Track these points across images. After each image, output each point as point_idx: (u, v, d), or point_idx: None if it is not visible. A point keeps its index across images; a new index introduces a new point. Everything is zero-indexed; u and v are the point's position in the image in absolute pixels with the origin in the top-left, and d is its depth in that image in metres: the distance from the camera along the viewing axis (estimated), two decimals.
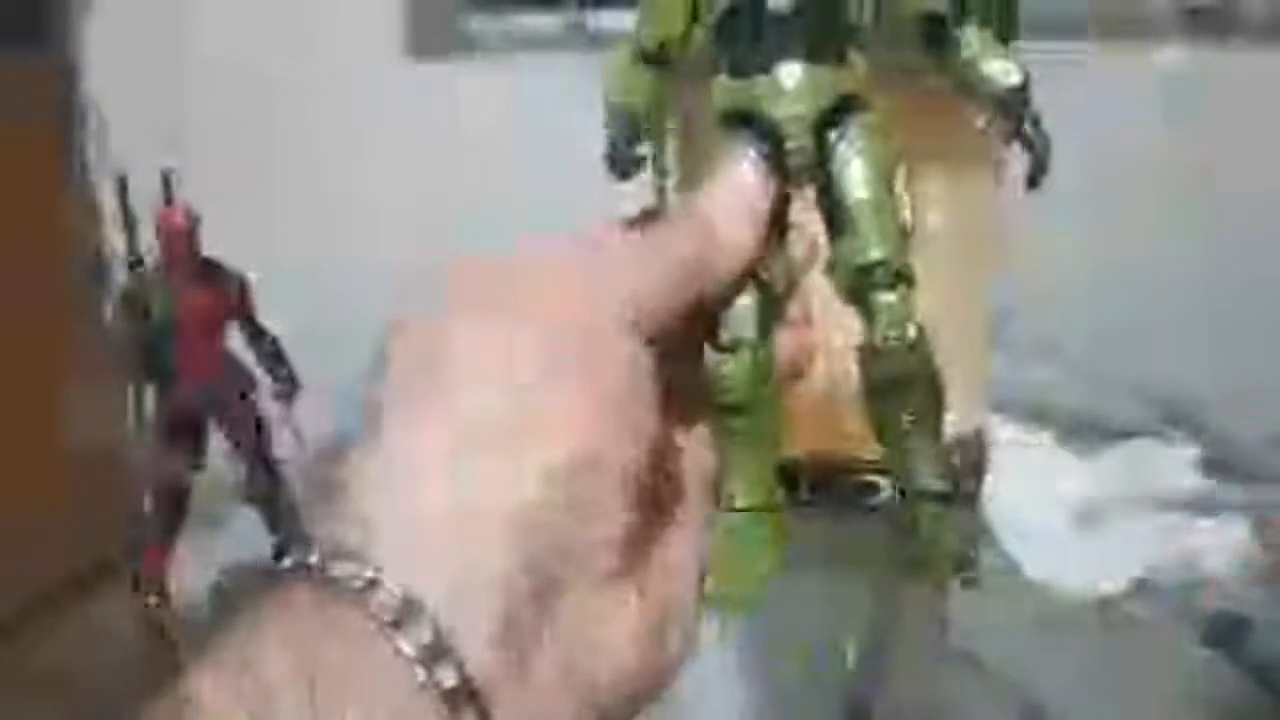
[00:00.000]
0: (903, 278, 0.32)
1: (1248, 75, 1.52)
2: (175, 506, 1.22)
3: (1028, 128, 0.34)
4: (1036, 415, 1.24)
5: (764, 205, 0.31)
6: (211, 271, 1.18)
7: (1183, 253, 1.47)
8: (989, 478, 0.99)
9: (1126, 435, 1.25)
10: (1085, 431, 1.25)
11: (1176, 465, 1.18)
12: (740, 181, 0.31)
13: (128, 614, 1.24)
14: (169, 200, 1.18)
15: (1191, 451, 1.20)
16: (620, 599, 0.27)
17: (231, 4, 1.61)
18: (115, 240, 1.31)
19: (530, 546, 0.25)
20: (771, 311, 0.32)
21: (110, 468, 1.35)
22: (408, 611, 0.23)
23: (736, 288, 0.31)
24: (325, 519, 0.26)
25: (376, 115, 1.64)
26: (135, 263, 1.23)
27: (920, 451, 0.33)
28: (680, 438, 0.33)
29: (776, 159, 0.32)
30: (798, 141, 0.31)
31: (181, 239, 1.16)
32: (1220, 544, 1.08)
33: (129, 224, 1.23)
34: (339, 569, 0.24)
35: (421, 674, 0.23)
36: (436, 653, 0.23)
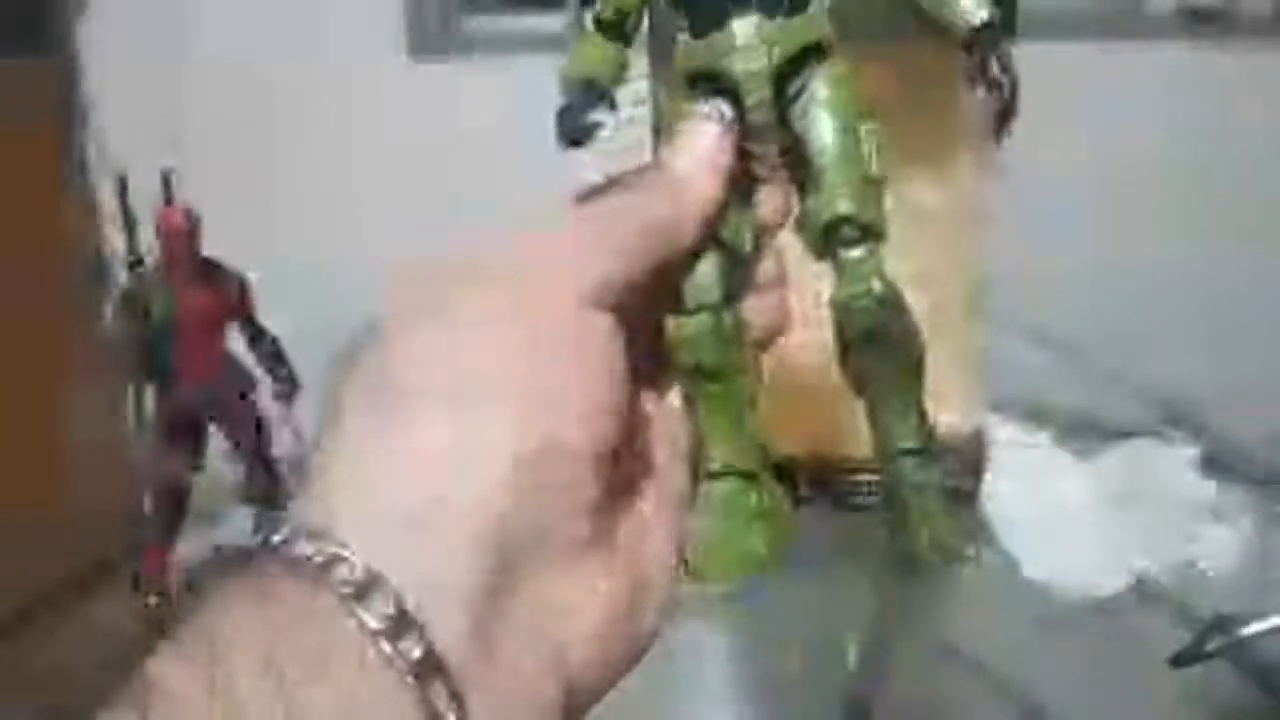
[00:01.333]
0: (870, 232, 0.31)
1: (1248, 75, 1.52)
2: (175, 506, 1.22)
3: (995, 69, 0.32)
4: (1035, 415, 1.23)
5: (723, 161, 0.31)
6: (211, 271, 1.18)
7: (1183, 253, 1.48)
8: (988, 477, 0.99)
9: (1126, 435, 1.25)
10: (1084, 431, 1.24)
11: (1176, 465, 1.18)
12: (699, 139, 0.31)
13: (128, 614, 1.24)
14: (169, 200, 1.18)
15: (1191, 451, 1.20)
16: (590, 573, 0.27)
17: (231, 4, 1.61)
18: (115, 240, 1.31)
19: (497, 526, 0.25)
20: (737, 274, 0.32)
21: (110, 468, 1.35)
22: (370, 586, 0.23)
23: (698, 248, 0.31)
24: (293, 508, 0.26)
25: (376, 115, 1.64)
26: (135, 263, 1.23)
27: (898, 410, 0.32)
28: (651, 408, 0.32)
29: (739, 115, 0.31)
30: (756, 96, 0.31)
31: (181, 239, 1.16)
32: (1220, 543, 1.08)
33: (129, 224, 1.23)
34: (301, 547, 0.24)
35: (386, 647, 0.23)
36: (400, 626, 0.23)
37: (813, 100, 0.31)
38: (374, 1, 1.70)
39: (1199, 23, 1.62)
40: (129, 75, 1.55)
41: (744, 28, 0.31)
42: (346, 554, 0.24)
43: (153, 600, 1.23)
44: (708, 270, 0.31)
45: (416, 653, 0.23)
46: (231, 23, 1.61)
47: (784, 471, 0.34)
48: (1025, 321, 1.28)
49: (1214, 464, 1.19)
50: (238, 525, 1.26)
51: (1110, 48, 1.55)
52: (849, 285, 0.31)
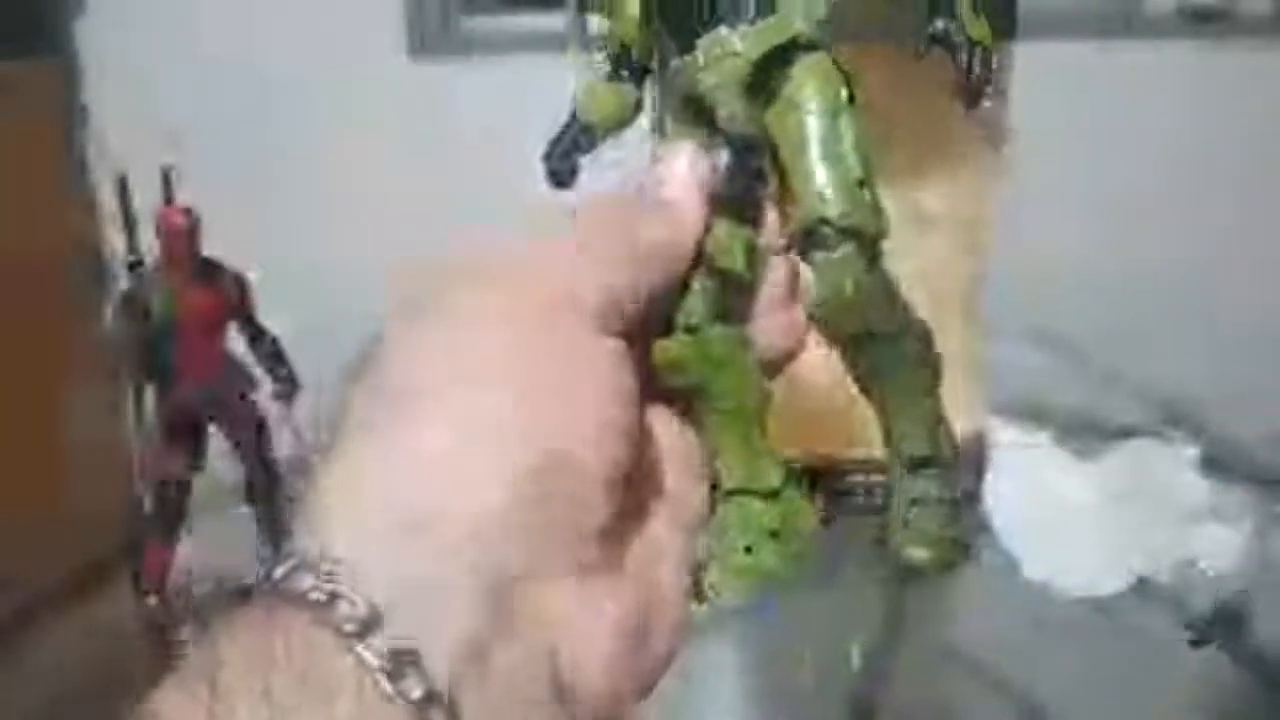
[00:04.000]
0: (849, 234, 0.29)
1: (1248, 74, 1.52)
2: (175, 506, 1.22)
3: (954, 33, 0.31)
4: (1035, 415, 1.24)
5: (705, 181, 0.31)
6: (211, 271, 1.18)
7: (1183, 253, 1.48)
8: (989, 478, 0.99)
9: (1126, 435, 1.25)
10: (1085, 431, 1.25)
11: (1176, 465, 1.18)
12: (677, 162, 0.31)
13: (128, 614, 1.24)
14: (169, 199, 1.18)
15: (1191, 451, 1.20)
16: (597, 598, 0.26)
17: (231, 4, 1.61)
18: (115, 240, 1.31)
19: (497, 550, 0.24)
20: (728, 295, 0.31)
21: (110, 468, 1.35)
22: (370, 622, 0.23)
23: (688, 269, 0.31)
24: (295, 529, 0.25)
25: (376, 115, 1.64)
26: (135, 263, 1.23)
27: (910, 415, 0.31)
28: (661, 428, 0.32)
29: (714, 130, 0.30)
30: (727, 109, 0.30)
31: (181, 239, 1.16)
32: (1220, 543, 1.08)
33: (129, 224, 1.23)
34: (302, 582, 0.24)
35: (386, 685, 0.23)
36: (401, 662, 0.23)
37: (789, 101, 0.30)
38: (374, 1, 1.70)
39: (1199, 22, 1.62)
40: (129, 75, 1.55)
41: (708, 44, 0.30)
42: (346, 590, 0.24)
43: (153, 600, 1.23)
44: (694, 291, 0.31)
45: (417, 692, 0.23)
46: (231, 23, 1.61)
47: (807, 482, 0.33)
48: (1025, 322, 1.27)
49: (1214, 464, 1.19)
50: (238, 525, 1.26)
51: (1110, 47, 1.55)
52: (820, 289, 0.30)
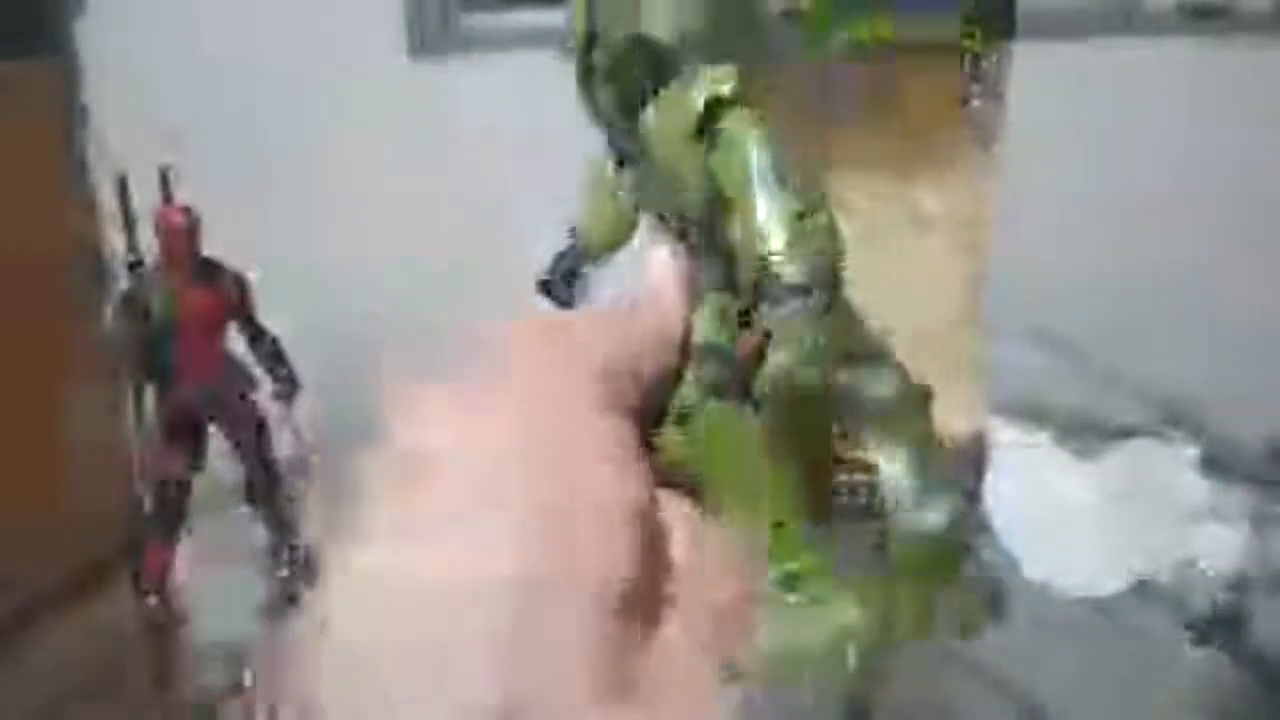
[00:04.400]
0: (795, 290, 0.28)
1: (1248, 71, 1.52)
2: (175, 506, 1.22)
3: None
4: (1036, 416, 1.24)
5: (681, 271, 0.31)
6: (211, 271, 1.18)
7: (1183, 253, 1.48)
8: (989, 478, 0.99)
9: (1126, 435, 1.25)
10: (1085, 431, 1.25)
11: (1176, 465, 1.18)
12: (659, 250, 0.31)
13: (128, 614, 1.24)
14: (168, 198, 1.18)
15: (1191, 451, 1.20)
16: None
17: (231, 4, 1.62)
18: (115, 240, 1.32)
19: (499, 671, 0.22)
20: (724, 375, 0.30)
21: (110, 468, 1.35)
22: None
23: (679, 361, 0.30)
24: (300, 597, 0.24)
25: (377, 114, 1.64)
26: (135, 263, 1.23)
27: (899, 461, 0.30)
28: (673, 512, 0.29)
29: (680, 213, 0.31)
30: (682, 185, 0.30)
31: (181, 239, 1.16)
32: (1219, 543, 1.08)
33: (129, 224, 1.23)
34: None
35: None
36: None
37: (729, 140, 0.29)
38: (374, 1, 1.70)
39: (1199, 19, 1.62)
40: (129, 75, 1.55)
41: (648, 115, 0.30)
42: None
43: (153, 600, 1.23)
44: (687, 381, 0.30)
45: None
46: (231, 23, 1.61)
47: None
48: (1025, 322, 1.27)
49: (1214, 464, 1.19)
50: (238, 525, 1.26)
51: (1110, 46, 1.55)
52: (782, 350, 0.28)
